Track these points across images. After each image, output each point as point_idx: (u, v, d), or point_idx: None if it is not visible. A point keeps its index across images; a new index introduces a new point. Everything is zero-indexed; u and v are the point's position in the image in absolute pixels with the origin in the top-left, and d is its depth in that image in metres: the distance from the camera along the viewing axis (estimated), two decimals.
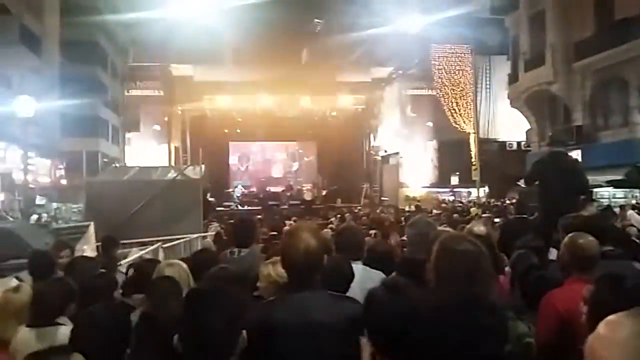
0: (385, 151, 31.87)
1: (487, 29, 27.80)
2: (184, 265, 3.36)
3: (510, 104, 26.89)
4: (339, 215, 15.51)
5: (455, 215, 15.01)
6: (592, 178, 8.83)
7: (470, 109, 28.21)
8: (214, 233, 11.40)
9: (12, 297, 3.28)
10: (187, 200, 12.11)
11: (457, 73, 28.24)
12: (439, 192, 30.75)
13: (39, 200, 22.80)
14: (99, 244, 7.52)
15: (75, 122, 27.62)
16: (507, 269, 3.80)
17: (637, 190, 17.61)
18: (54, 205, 23.07)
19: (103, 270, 4.15)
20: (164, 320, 2.47)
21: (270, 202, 27.30)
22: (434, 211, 18.82)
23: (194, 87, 29.02)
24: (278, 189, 31.26)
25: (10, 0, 20.51)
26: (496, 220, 10.50)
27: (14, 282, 3.86)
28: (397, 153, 31.14)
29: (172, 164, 27.74)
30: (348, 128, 32.01)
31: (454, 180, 30.97)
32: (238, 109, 29.78)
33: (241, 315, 2.01)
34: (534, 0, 24.05)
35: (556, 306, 2.82)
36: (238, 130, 31.97)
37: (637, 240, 6.74)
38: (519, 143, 29.98)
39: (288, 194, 29.33)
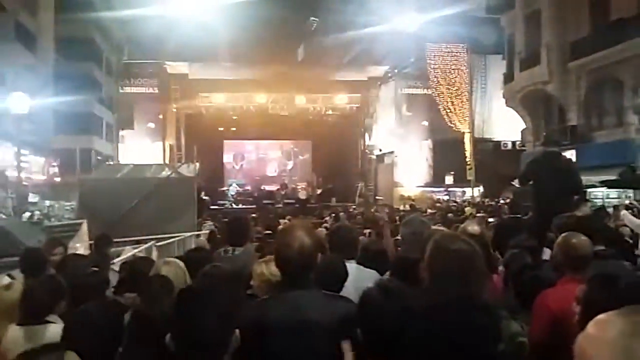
0: (380, 150, 31.91)
1: (483, 28, 27.82)
2: (181, 264, 3.35)
3: (506, 103, 26.94)
4: (333, 215, 15.52)
5: (449, 214, 15.03)
6: (586, 178, 8.86)
7: (465, 108, 28.28)
8: (208, 231, 11.38)
9: (3, 294, 3.26)
10: (181, 199, 12.06)
11: (452, 72, 28.29)
12: (433, 192, 30.79)
13: (32, 198, 22.70)
14: (92, 242, 7.49)
15: (69, 120, 27.49)
16: (500, 268, 3.81)
17: (630, 191, 17.69)
18: (47, 202, 22.98)
19: (95, 269, 4.13)
20: (157, 318, 2.45)
21: (265, 201, 27.30)
22: (429, 210, 18.86)
23: (188, 84, 29.01)
24: (272, 187, 31.29)
25: None
26: (490, 219, 10.55)
27: (5, 280, 3.84)
28: (392, 152, 31.17)
29: (166, 161, 27.62)
30: (343, 127, 32.06)
31: (449, 179, 31.00)
32: (233, 107, 29.80)
33: (234, 314, 2.00)
34: None
35: (549, 306, 2.82)
36: (233, 129, 31.97)
37: (630, 240, 6.77)
38: (513, 143, 30.04)
39: (283, 192, 29.34)
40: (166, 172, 13.25)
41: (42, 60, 23.59)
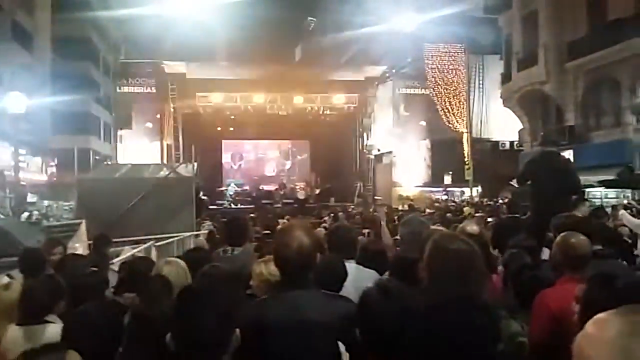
0: (379, 150, 31.92)
1: (481, 28, 27.85)
2: (182, 263, 3.35)
3: (503, 103, 26.96)
4: (332, 214, 15.53)
5: (448, 214, 15.06)
6: (584, 178, 8.87)
7: (463, 108, 28.31)
8: (206, 231, 11.39)
9: (2, 295, 3.25)
10: (180, 199, 12.04)
11: (450, 72, 28.33)
12: (432, 192, 30.79)
13: (30, 198, 22.63)
14: (91, 241, 7.47)
15: (66, 119, 27.45)
16: (499, 268, 3.81)
17: (628, 190, 17.72)
18: (45, 202, 22.91)
19: (94, 269, 4.13)
20: (156, 318, 2.45)
21: (263, 201, 27.31)
22: (427, 210, 18.85)
23: (186, 84, 28.96)
24: (271, 187, 31.29)
25: None
26: (489, 219, 10.55)
27: (4, 280, 3.83)
28: (390, 152, 31.20)
29: (165, 161, 27.57)
30: (341, 127, 32.05)
31: (447, 179, 31.01)
32: (231, 107, 29.76)
33: (234, 314, 2.00)
34: None
35: (549, 305, 2.83)
36: (231, 128, 31.96)
37: (629, 240, 6.79)
38: (511, 143, 30.05)
39: (281, 192, 29.35)
40: (164, 172, 13.23)
41: (39, 60, 23.55)
